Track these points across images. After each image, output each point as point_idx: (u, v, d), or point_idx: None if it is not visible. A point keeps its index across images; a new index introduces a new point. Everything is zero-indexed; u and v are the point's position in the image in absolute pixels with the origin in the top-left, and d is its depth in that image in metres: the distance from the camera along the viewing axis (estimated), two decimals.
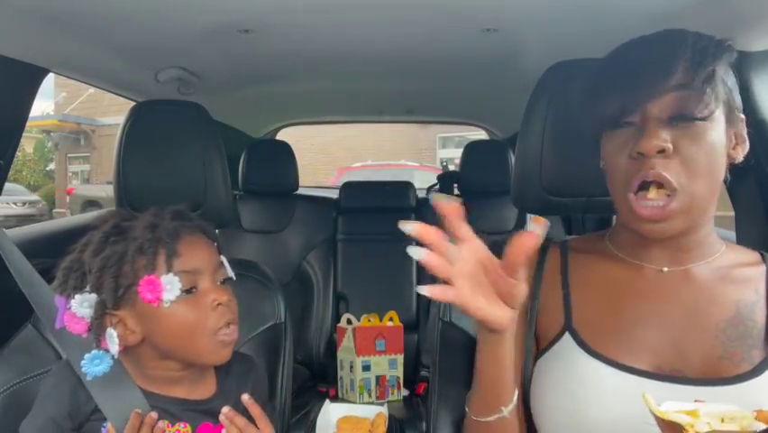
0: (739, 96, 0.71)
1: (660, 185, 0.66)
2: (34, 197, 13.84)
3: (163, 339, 0.77)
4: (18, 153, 1.29)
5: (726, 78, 0.69)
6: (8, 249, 0.86)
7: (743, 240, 1.12)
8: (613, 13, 1.07)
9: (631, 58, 0.70)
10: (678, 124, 0.67)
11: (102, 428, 0.79)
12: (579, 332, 0.75)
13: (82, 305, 0.76)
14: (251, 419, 0.80)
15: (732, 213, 1.15)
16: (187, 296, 0.76)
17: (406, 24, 1.27)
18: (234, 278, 0.84)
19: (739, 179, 1.10)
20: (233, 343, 0.80)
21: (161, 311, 0.75)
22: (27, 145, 18.75)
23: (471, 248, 0.59)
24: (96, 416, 0.79)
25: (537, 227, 0.57)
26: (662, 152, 0.65)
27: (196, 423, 0.80)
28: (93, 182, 15.19)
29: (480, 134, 3.24)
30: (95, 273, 0.75)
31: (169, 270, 0.75)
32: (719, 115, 0.68)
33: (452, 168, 2.76)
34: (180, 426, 0.79)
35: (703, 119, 0.66)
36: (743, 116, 0.72)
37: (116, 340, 0.75)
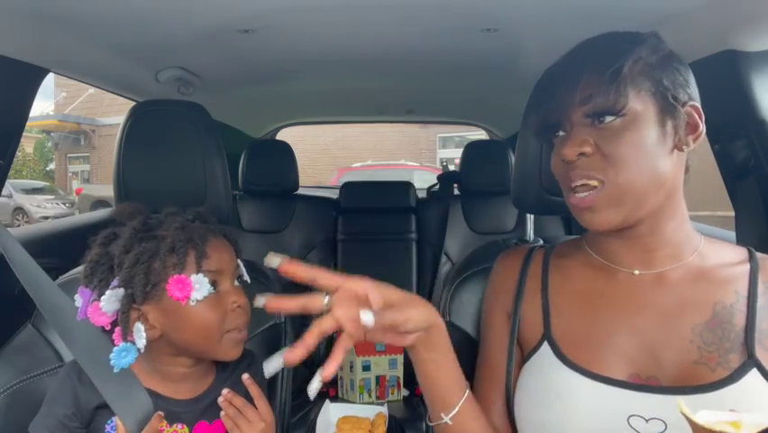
0: (687, 88, 0.71)
1: (588, 186, 0.70)
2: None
3: (182, 335, 0.80)
4: (18, 153, 1.29)
5: (655, 72, 0.69)
6: (12, 248, 0.86)
7: (743, 240, 1.12)
8: (613, 14, 1.07)
9: (549, 75, 0.76)
10: (598, 124, 0.69)
11: (106, 425, 0.80)
12: (557, 342, 0.74)
13: (110, 300, 0.77)
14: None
15: (732, 213, 1.15)
16: (211, 295, 0.79)
17: (406, 24, 1.27)
18: (249, 281, 0.88)
19: (739, 179, 1.10)
20: (243, 341, 0.84)
21: (186, 309, 0.78)
22: (27, 145, 18.76)
23: (344, 292, 0.61)
24: (101, 412, 0.80)
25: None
26: (582, 154, 0.69)
27: (192, 423, 0.82)
28: (92, 182, 15.27)
29: (480, 134, 3.24)
30: (125, 269, 0.77)
31: (198, 270, 0.78)
32: (644, 109, 0.68)
33: (452, 168, 2.76)
34: (178, 426, 0.81)
35: (617, 114, 0.68)
36: (694, 104, 0.71)
37: (143, 334, 0.77)
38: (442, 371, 0.71)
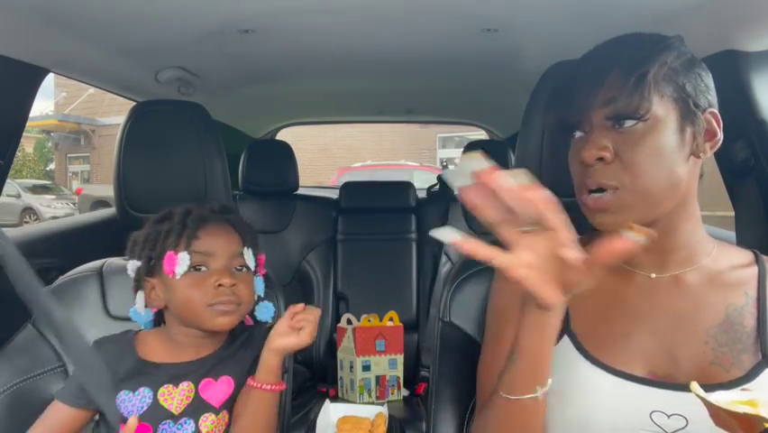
0: (708, 94, 0.70)
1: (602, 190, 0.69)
2: None
3: (173, 306, 0.90)
4: (18, 153, 1.30)
5: (679, 77, 0.68)
6: (7, 250, 0.86)
7: (743, 240, 1.12)
8: (613, 13, 1.07)
9: (571, 74, 0.73)
10: (618, 128, 0.68)
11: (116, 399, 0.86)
12: (577, 336, 0.75)
13: (131, 269, 0.94)
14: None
15: (732, 213, 1.15)
16: (196, 273, 0.88)
17: (407, 25, 1.27)
18: (253, 268, 0.94)
19: (739, 179, 1.10)
20: (230, 313, 0.89)
21: (174, 282, 0.88)
22: (27, 145, 18.76)
23: (552, 238, 0.56)
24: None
25: (637, 237, 0.57)
26: (600, 159, 0.68)
27: (198, 381, 0.89)
28: (92, 182, 15.29)
29: (480, 134, 3.24)
30: (140, 245, 0.92)
31: (186, 249, 0.88)
32: (665, 115, 0.67)
33: (452, 168, 2.75)
34: (184, 385, 0.88)
35: (639, 118, 0.67)
36: (713, 110, 0.71)
37: (142, 302, 0.92)
38: (553, 339, 0.65)
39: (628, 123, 0.67)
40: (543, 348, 0.65)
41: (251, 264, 0.94)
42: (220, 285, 0.87)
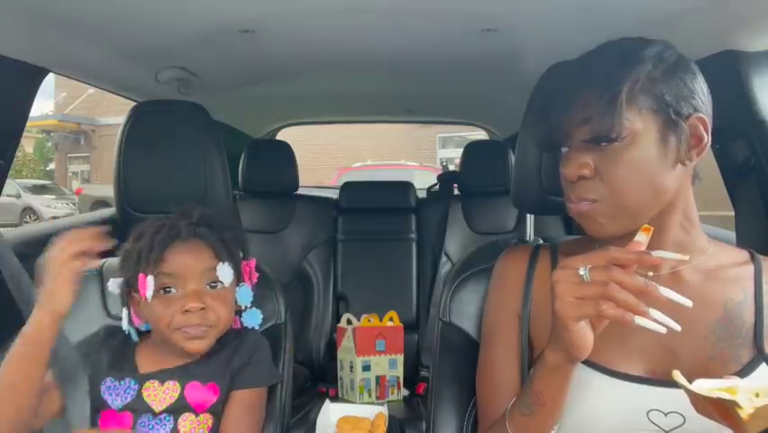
0: (693, 99, 0.69)
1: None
2: None
3: (151, 324, 0.91)
4: (18, 153, 1.30)
5: (658, 87, 0.67)
6: (2, 252, 0.87)
7: (743, 240, 1.12)
8: (613, 14, 1.07)
9: (551, 90, 0.75)
10: (596, 146, 0.69)
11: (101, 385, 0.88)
12: None
13: (113, 285, 0.94)
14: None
15: (732, 213, 1.15)
16: (165, 295, 0.88)
17: (407, 25, 1.27)
18: (228, 283, 0.91)
19: (739, 179, 1.11)
20: (200, 338, 0.88)
21: (147, 303, 0.88)
22: (27, 145, 18.77)
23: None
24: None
25: (642, 236, 0.61)
26: (582, 177, 0.70)
27: (184, 382, 0.90)
28: (92, 182, 15.31)
29: (480, 134, 3.24)
30: (121, 263, 0.92)
31: (153, 271, 0.87)
32: (645, 128, 0.67)
33: (452, 168, 2.76)
34: (170, 384, 0.89)
35: (614, 139, 0.67)
36: (699, 115, 0.69)
37: (125, 317, 0.92)
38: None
39: (605, 143, 0.68)
40: (563, 396, 0.68)
41: (227, 279, 0.91)
42: (186, 311, 0.86)
